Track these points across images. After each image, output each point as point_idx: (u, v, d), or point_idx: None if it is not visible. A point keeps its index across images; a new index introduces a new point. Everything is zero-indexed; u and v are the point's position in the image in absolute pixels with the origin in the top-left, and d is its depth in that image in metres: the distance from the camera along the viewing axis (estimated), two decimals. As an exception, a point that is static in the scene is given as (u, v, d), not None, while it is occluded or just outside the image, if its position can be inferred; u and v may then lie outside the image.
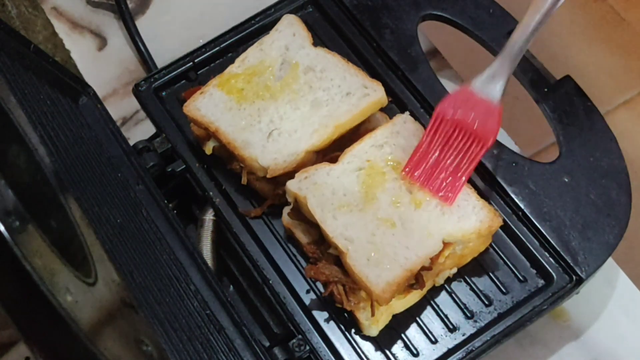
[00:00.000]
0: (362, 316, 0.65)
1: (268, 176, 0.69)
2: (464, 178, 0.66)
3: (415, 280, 0.65)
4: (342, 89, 0.72)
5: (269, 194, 0.72)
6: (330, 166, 0.68)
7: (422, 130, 0.70)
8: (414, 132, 0.70)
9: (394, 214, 0.66)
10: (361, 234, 0.65)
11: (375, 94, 0.71)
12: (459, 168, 0.67)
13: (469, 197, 0.67)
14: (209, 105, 0.72)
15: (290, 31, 0.75)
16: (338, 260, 0.66)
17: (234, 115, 0.71)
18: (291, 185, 0.67)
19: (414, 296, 0.67)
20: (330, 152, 0.71)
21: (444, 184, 0.67)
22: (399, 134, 0.70)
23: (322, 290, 0.68)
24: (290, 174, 0.68)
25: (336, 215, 0.66)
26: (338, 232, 0.65)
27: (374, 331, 0.66)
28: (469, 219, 0.66)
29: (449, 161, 0.67)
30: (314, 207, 0.66)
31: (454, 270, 0.68)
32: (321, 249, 0.68)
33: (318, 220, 0.65)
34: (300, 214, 0.68)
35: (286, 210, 0.70)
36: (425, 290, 0.67)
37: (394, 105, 0.76)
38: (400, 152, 0.69)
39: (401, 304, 0.66)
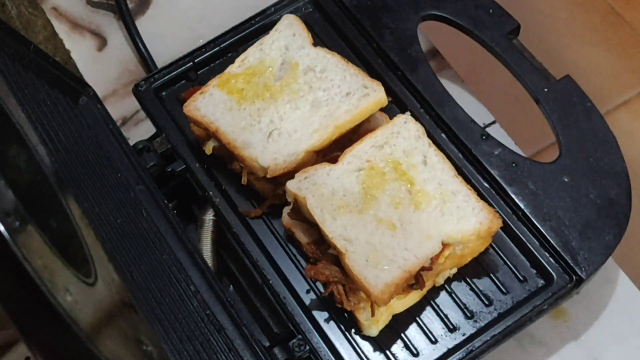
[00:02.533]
0: (362, 316, 0.65)
1: (268, 176, 0.69)
2: None
3: (415, 280, 0.65)
4: (342, 89, 0.72)
5: (269, 194, 0.72)
6: (330, 166, 0.68)
7: (422, 130, 0.70)
8: (414, 133, 0.70)
9: (393, 215, 0.66)
10: (360, 234, 0.65)
11: (375, 94, 0.71)
12: None
13: (468, 198, 0.67)
14: (209, 106, 0.72)
15: (290, 31, 0.75)
16: (338, 260, 0.66)
17: (234, 116, 0.71)
18: (291, 185, 0.67)
19: (414, 296, 0.67)
20: (330, 152, 0.71)
21: None
22: (399, 135, 0.70)
23: (322, 290, 0.68)
24: (290, 174, 0.68)
25: (335, 215, 0.66)
26: (337, 233, 0.65)
27: (374, 331, 0.66)
28: (469, 221, 0.66)
29: None
30: (313, 208, 0.66)
31: (454, 270, 0.68)
32: (321, 249, 0.68)
33: (317, 221, 0.65)
34: (300, 214, 0.68)
35: (286, 210, 0.70)
36: (425, 290, 0.67)
37: (394, 105, 0.76)
38: (400, 153, 0.69)
39: (401, 304, 0.66)
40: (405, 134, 0.70)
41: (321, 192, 0.67)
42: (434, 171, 0.68)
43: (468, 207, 0.67)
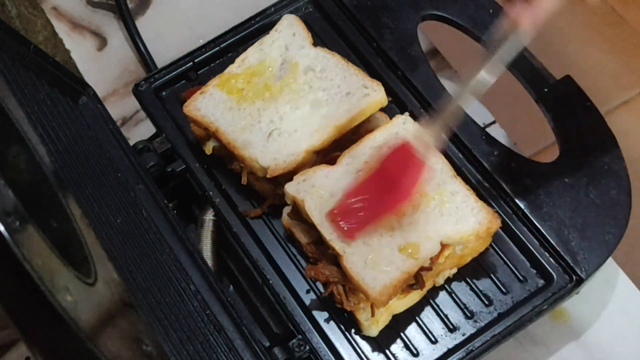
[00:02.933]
0: (362, 316, 0.65)
1: (268, 176, 0.69)
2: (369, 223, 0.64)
3: (415, 280, 0.65)
4: (342, 89, 0.72)
5: (269, 194, 0.72)
6: (329, 168, 0.68)
7: (421, 130, 0.70)
8: (413, 133, 0.70)
9: (392, 216, 0.66)
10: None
11: (375, 94, 0.71)
12: (373, 210, 0.64)
13: (467, 198, 0.67)
14: (209, 105, 0.72)
15: (290, 31, 0.75)
16: (337, 260, 0.65)
17: (234, 115, 0.71)
18: (289, 188, 0.67)
19: (414, 296, 0.67)
20: (330, 152, 0.71)
21: (355, 219, 0.64)
22: (398, 135, 0.70)
23: (322, 290, 0.68)
24: (290, 174, 0.68)
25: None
26: (335, 235, 0.65)
27: (373, 331, 0.66)
28: (468, 221, 0.66)
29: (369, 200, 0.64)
30: (311, 210, 0.66)
31: (454, 270, 0.68)
32: (321, 249, 0.68)
33: (315, 223, 0.65)
34: (300, 215, 0.68)
35: (286, 210, 0.70)
36: (425, 290, 0.67)
37: (394, 105, 0.76)
38: None
39: (401, 304, 0.66)
40: (404, 135, 0.70)
41: (319, 194, 0.67)
42: (433, 172, 0.68)
43: (467, 208, 0.67)
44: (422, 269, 0.65)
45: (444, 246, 0.66)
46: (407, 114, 0.72)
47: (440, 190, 0.68)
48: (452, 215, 0.66)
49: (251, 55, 0.74)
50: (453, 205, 0.67)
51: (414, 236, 0.65)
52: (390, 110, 0.75)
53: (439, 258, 0.66)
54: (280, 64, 0.74)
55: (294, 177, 0.68)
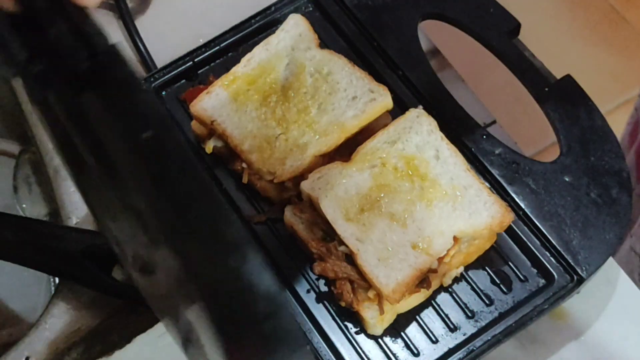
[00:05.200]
0: (368, 314, 0.65)
1: (275, 180, 0.69)
2: None
3: (423, 279, 0.65)
4: (348, 93, 0.71)
5: (270, 193, 0.72)
6: (343, 165, 0.68)
7: (434, 124, 0.70)
8: (426, 127, 0.70)
9: (405, 211, 0.66)
10: (372, 233, 0.65)
11: (381, 98, 0.71)
12: None
13: (480, 192, 0.67)
14: (216, 106, 0.72)
15: (297, 32, 0.75)
16: (348, 257, 0.65)
17: (241, 118, 0.71)
18: (305, 185, 0.67)
19: (420, 296, 0.67)
20: (337, 155, 0.71)
21: None
22: (412, 129, 0.70)
23: (322, 290, 0.68)
24: (296, 179, 0.68)
25: (348, 214, 0.66)
26: (349, 233, 0.65)
27: (378, 330, 0.66)
28: (480, 215, 0.66)
29: None
30: (325, 208, 0.66)
31: (461, 269, 0.68)
32: (327, 246, 0.67)
33: (330, 221, 0.65)
34: (315, 211, 0.68)
35: (288, 208, 0.70)
36: (431, 290, 0.67)
37: (395, 105, 0.76)
38: (413, 148, 0.69)
39: (406, 304, 0.66)
40: (418, 129, 0.70)
41: (334, 191, 0.67)
42: (447, 165, 0.68)
43: (480, 202, 0.67)
44: (429, 270, 0.65)
45: (456, 241, 0.65)
46: (420, 107, 0.72)
47: (454, 184, 0.67)
48: (465, 210, 0.66)
49: (257, 55, 0.74)
50: (466, 199, 0.67)
51: (426, 232, 0.65)
52: (391, 111, 0.75)
53: (445, 257, 0.66)
54: (286, 64, 0.73)
55: (309, 175, 0.68)
